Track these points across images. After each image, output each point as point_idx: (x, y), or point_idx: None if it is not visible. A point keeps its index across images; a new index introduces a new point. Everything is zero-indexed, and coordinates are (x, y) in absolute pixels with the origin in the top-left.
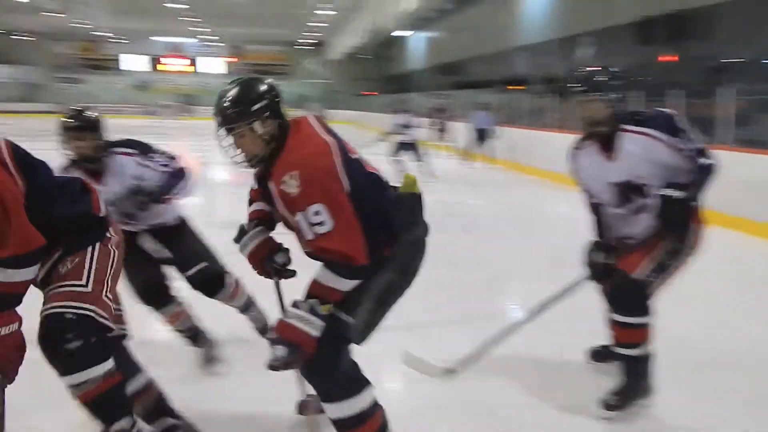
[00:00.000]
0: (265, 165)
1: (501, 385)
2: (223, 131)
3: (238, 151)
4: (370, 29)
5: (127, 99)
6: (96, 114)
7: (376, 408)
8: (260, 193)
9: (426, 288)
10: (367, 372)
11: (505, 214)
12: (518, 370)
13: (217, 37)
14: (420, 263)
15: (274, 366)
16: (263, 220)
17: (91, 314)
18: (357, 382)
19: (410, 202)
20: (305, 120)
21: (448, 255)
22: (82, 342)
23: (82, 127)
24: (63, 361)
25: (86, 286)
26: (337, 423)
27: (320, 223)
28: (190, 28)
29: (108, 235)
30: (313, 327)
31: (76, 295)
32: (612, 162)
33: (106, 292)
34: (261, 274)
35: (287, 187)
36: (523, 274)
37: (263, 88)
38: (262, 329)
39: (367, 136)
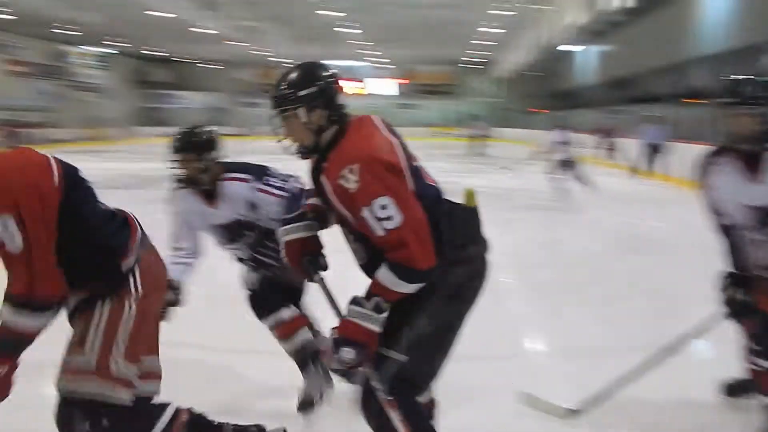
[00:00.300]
0: (318, 159)
1: (628, 425)
2: (274, 113)
3: (286, 135)
4: (538, 45)
5: None
6: (208, 134)
7: None
8: (314, 189)
9: (590, 313)
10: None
11: (679, 234)
12: (646, 407)
13: (387, 60)
14: (480, 283)
15: (341, 369)
16: (318, 216)
17: (97, 399)
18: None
19: (466, 216)
20: (369, 119)
21: (614, 277)
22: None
23: (185, 148)
24: None
25: (90, 359)
26: None
27: (389, 218)
28: (359, 51)
29: (128, 287)
30: (376, 323)
31: (80, 373)
32: (757, 184)
33: (113, 358)
34: (291, 265)
35: (345, 182)
36: (698, 300)
37: (318, 74)
38: (305, 401)
39: (522, 153)
